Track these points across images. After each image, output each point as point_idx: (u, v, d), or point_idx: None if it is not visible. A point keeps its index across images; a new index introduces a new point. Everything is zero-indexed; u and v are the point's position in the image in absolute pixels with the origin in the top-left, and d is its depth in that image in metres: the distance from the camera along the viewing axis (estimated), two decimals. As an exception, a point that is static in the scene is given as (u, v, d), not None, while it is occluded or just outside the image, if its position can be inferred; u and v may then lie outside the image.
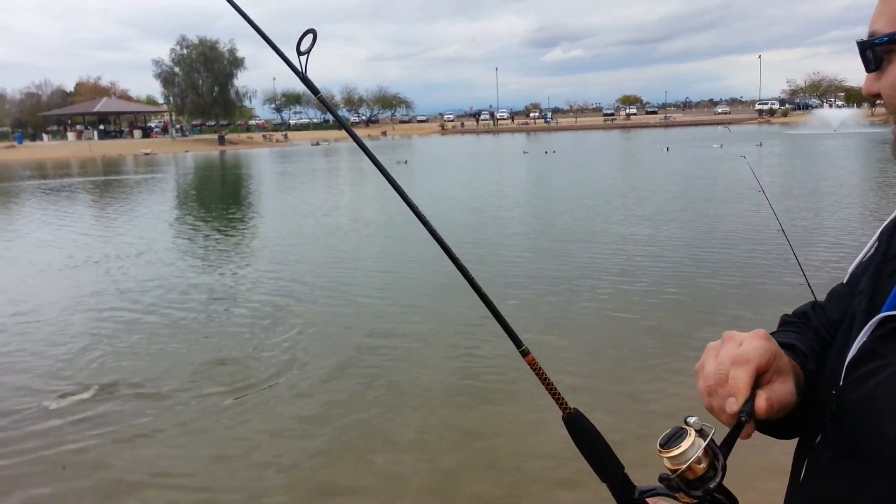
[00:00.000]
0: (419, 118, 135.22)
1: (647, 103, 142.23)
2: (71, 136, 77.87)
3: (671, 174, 26.49)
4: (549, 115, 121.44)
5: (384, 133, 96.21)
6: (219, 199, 25.30)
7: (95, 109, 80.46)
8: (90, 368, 6.77)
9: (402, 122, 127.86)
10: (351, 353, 6.95)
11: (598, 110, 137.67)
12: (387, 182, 1.07)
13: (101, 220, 18.98)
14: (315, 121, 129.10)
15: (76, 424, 5.48)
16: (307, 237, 14.69)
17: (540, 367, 0.94)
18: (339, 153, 55.76)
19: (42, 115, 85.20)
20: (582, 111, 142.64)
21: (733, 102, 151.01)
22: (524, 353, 0.95)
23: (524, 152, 43.96)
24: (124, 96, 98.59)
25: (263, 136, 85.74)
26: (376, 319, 8.16)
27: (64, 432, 5.36)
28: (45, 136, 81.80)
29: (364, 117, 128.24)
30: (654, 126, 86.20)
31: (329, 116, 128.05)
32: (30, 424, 5.52)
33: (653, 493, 0.86)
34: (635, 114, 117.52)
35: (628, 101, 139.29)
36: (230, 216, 19.25)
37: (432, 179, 29.08)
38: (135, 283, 10.46)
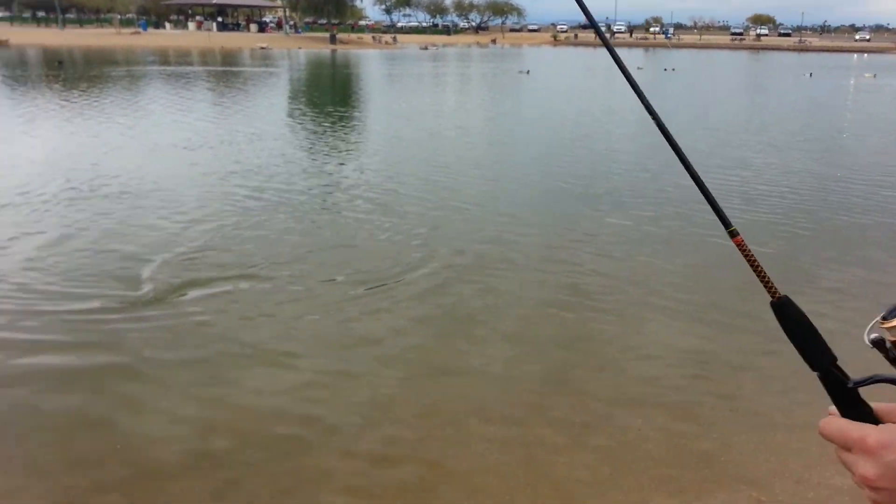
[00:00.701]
0: (530, 27, 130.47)
1: (781, 24, 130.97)
2: (191, 25, 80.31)
3: (805, 102, 24.50)
4: (671, 30, 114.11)
5: (493, 41, 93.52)
6: (329, 96, 25.55)
7: (215, 1, 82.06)
8: (207, 246, 7.09)
9: (512, 30, 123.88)
10: (456, 257, 6.94)
11: (724, 29, 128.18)
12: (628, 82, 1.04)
13: (218, 107, 19.60)
14: (424, 24, 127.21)
15: (196, 301, 5.74)
16: (411, 140, 14.65)
17: (749, 250, 0.90)
18: (447, 58, 54.86)
19: (165, 3, 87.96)
20: (707, 29, 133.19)
21: (878, 29, 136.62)
22: (733, 234, 0.92)
23: (638, 68, 41.68)
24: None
25: (373, 37, 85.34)
26: (478, 226, 8.09)
27: (182, 305, 5.67)
28: (167, 25, 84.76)
29: (473, 23, 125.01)
30: (787, 49, 79.60)
31: (438, 21, 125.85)
32: (144, 300, 5.87)
33: (869, 381, 0.81)
34: (766, 35, 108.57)
35: (760, 20, 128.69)
36: (339, 114, 19.42)
37: (552, 89, 28.18)
38: (248, 169, 10.81)
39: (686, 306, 5.78)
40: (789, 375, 4.48)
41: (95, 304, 5.53)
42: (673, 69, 40.82)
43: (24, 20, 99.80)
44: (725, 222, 0.93)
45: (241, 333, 5.10)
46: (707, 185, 0.95)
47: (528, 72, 37.56)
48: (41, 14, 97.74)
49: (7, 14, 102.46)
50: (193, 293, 5.78)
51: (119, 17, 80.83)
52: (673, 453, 3.80)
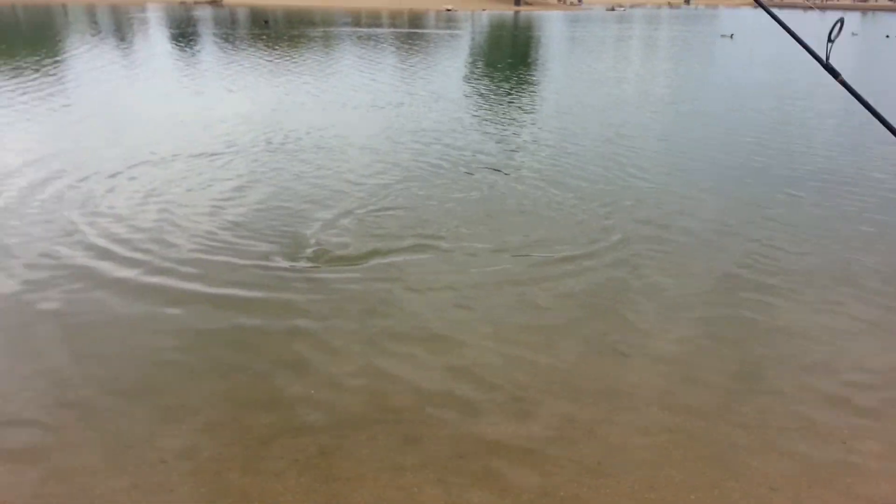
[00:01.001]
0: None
1: None
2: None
3: None
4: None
5: (686, 2, 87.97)
6: (508, 59, 25.43)
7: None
8: (385, 209, 7.35)
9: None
10: (640, 238, 6.66)
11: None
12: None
13: (400, 69, 20.18)
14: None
15: (376, 268, 5.87)
16: (592, 106, 14.19)
17: None
18: (633, 20, 52.45)
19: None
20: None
21: None
22: None
23: (853, 34, 37.27)
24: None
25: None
26: (663, 206, 7.64)
27: (363, 270, 5.89)
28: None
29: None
30: None
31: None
32: (327, 260, 6.18)
33: None
34: None
35: None
36: (517, 77, 19.26)
37: (756, 55, 26.08)
38: (425, 131, 11.05)
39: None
40: None
41: (283, 262, 5.79)
42: (898, 35, 36.12)
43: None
44: None
45: (418, 304, 5.13)
46: None
47: (731, 36, 34.89)
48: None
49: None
50: (374, 260, 5.86)
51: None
52: (886, 470, 3.39)
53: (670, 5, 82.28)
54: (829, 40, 2.02)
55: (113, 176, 8.20)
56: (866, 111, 2.08)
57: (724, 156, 9.96)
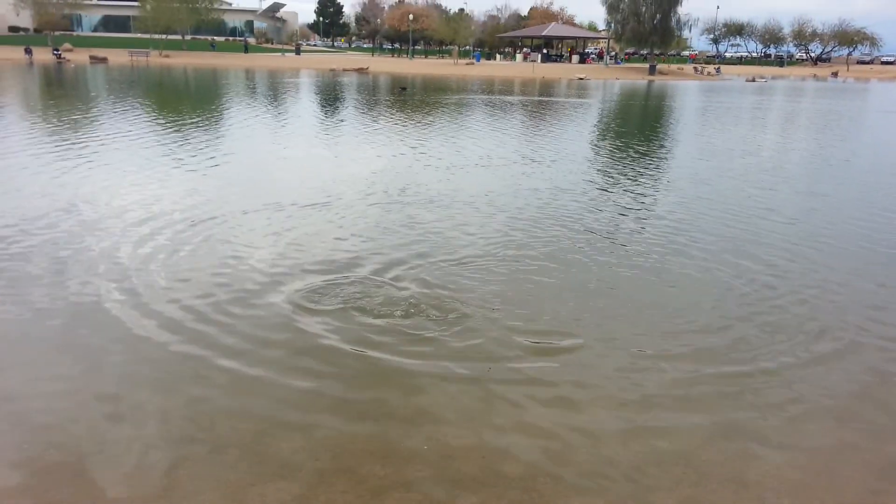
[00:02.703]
0: (884, 59, 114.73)
1: None
2: (518, 57, 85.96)
3: None
4: None
5: (834, 74, 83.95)
6: (631, 128, 25.13)
7: (543, 34, 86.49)
8: (490, 293, 7.38)
9: (859, 62, 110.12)
10: (765, 330, 6.31)
11: None
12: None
13: (523, 135, 20.49)
14: (753, 54, 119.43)
15: (483, 353, 6.00)
16: (713, 182, 13.54)
17: None
18: (774, 91, 50.63)
19: (498, 36, 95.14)
20: None
21: None
22: None
23: None
24: (570, 22, 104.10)
25: (695, 68, 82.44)
26: (775, 306, 7.17)
27: (469, 354, 5.96)
28: (497, 56, 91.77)
29: (812, 54, 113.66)
30: None
31: (771, 50, 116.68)
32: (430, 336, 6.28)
33: None
34: None
35: None
36: (639, 147, 18.90)
37: None
38: (530, 196, 11.04)
39: None
40: None
41: (401, 321, 6.04)
42: None
43: (382, 50, 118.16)
44: None
45: (532, 394, 5.15)
46: None
47: None
48: (396, 45, 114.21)
49: (370, 45, 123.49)
50: (482, 344, 5.97)
51: (458, 48, 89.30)
52: None
53: (816, 77, 78.88)
54: None
55: (225, 220, 8.94)
56: None
57: (855, 245, 9.11)
